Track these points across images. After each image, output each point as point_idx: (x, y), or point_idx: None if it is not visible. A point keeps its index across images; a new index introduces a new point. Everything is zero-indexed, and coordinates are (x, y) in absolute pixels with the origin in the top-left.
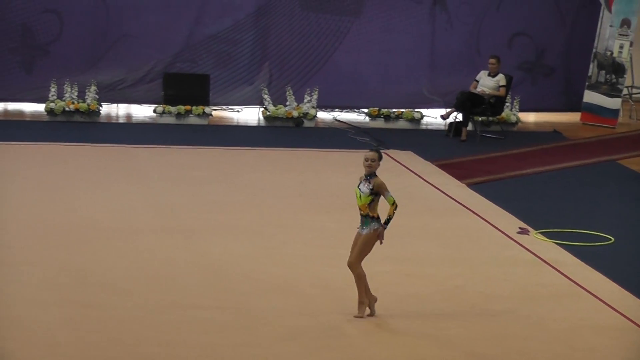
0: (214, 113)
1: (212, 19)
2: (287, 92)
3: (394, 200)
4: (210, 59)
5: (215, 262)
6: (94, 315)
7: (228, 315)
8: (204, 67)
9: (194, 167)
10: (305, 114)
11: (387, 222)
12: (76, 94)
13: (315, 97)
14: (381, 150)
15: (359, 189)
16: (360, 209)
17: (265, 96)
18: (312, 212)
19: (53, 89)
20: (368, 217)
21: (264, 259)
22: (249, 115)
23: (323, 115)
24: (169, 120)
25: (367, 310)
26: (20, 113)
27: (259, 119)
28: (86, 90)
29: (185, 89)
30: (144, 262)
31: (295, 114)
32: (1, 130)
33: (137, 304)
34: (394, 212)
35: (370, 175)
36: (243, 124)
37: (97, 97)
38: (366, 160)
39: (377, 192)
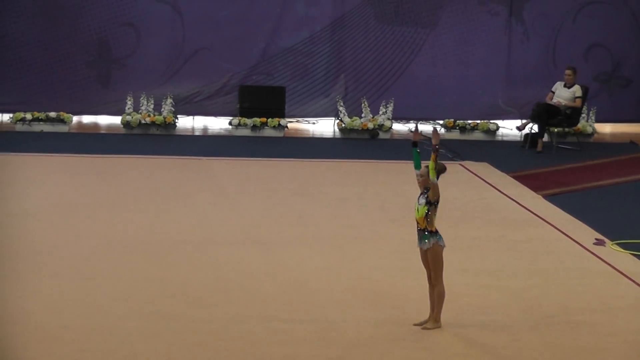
0: (289, 125)
1: (288, 32)
2: (363, 104)
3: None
4: (286, 71)
5: (293, 274)
6: (172, 326)
7: (307, 327)
8: (280, 79)
9: (270, 179)
10: (381, 126)
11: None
12: (152, 106)
13: (390, 108)
14: (457, 161)
15: (417, 201)
16: (417, 223)
17: (341, 108)
18: (389, 224)
19: (129, 102)
20: (425, 230)
21: (343, 271)
22: (325, 127)
23: (398, 127)
24: (245, 132)
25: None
26: (97, 126)
27: (334, 131)
28: (162, 103)
29: (261, 101)
30: (222, 274)
31: (370, 125)
32: (78, 143)
33: (215, 316)
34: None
35: (426, 189)
36: (318, 136)
37: (173, 109)
38: (419, 176)
39: (431, 200)
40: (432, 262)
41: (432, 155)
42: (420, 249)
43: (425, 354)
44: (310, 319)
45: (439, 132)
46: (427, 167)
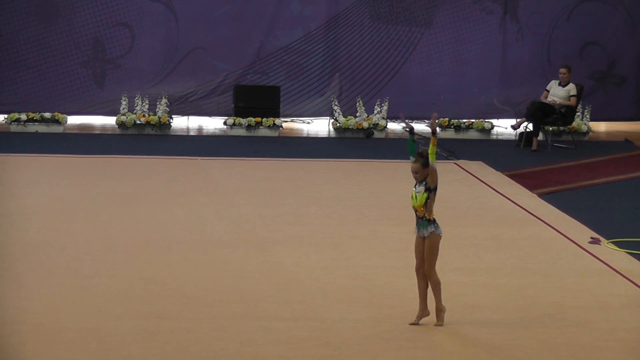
0: (284, 125)
1: (283, 31)
2: (358, 104)
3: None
4: (281, 70)
5: (289, 273)
6: (168, 326)
7: (303, 326)
8: (275, 78)
9: (265, 178)
10: (376, 125)
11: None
12: (147, 106)
13: (385, 108)
14: (452, 160)
15: (414, 189)
16: (416, 211)
17: (336, 107)
18: (385, 223)
19: (124, 102)
20: (424, 219)
21: (338, 270)
22: (319, 126)
23: (393, 126)
24: (240, 132)
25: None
26: (91, 126)
27: (329, 130)
28: (157, 103)
29: (256, 100)
30: (217, 273)
31: (365, 125)
32: (73, 144)
33: (211, 315)
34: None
35: (422, 181)
36: (313, 136)
37: (168, 109)
38: (414, 172)
39: (430, 187)
40: (428, 251)
41: (432, 139)
42: (418, 236)
43: (420, 353)
44: (306, 317)
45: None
46: (421, 157)
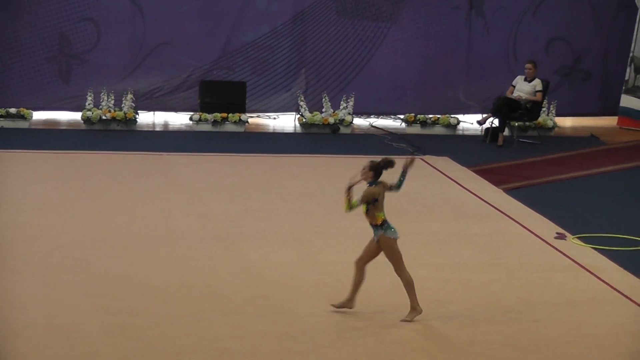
0: (250, 120)
1: (249, 26)
2: (324, 99)
3: (352, 207)
4: (247, 66)
5: (255, 268)
6: (135, 322)
7: (269, 321)
8: (241, 74)
9: (231, 174)
10: (342, 121)
11: (349, 190)
12: (113, 102)
13: (351, 103)
14: (418, 156)
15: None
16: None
17: (302, 103)
18: (350, 218)
19: (90, 98)
20: (372, 225)
21: (304, 266)
22: (285, 122)
23: (359, 122)
24: (206, 127)
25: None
26: (57, 122)
27: (295, 126)
28: (123, 99)
29: (222, 96)
30: (184, 269)
31: (331, 120)
32: (39, 139)
33: (178, 311)
34: (349, 205)
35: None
36: (279, 131)
37: (133, 105)
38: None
39: (364, 201)
40: (387, 254)
41: (349, 197)
42: (372, 238)
43: (386, 348)
44: (273, 312)
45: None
46: (369, 162)
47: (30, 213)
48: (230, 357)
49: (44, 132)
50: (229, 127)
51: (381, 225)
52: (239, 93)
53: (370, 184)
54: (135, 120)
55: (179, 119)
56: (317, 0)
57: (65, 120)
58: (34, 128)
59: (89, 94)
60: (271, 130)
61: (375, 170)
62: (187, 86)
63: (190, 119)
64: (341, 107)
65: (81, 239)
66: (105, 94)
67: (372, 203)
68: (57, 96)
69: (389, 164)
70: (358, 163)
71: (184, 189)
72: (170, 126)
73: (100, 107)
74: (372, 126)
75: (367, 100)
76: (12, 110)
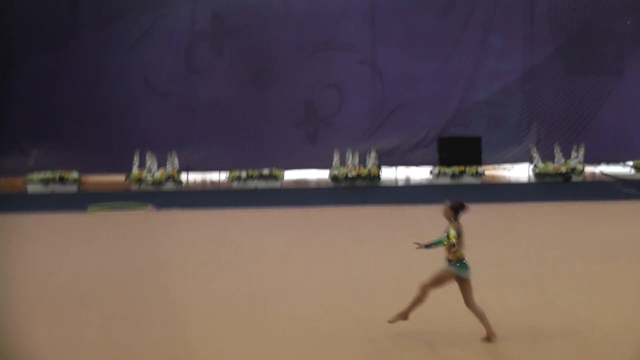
0: (486, 172)
1: (482, 85)
2: (555, 150)
3: (448, 241)
4: (481, 122)
5: (494, 314)
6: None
7: None
8: (476, 129)
9: (469, 223)
10: (573, 169)
11: (429, 246)
12: (357, 160)
13: (582, 153)
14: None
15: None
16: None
17: (535, 154)
18: (587, 261)
19: (336, 157)
20: (447, 260)
21: (541, 310)
22: (520, 172)
23: (590, 170)
24: (445, 180)
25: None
26: (306, 181)
27: (529, 176)
28: (366, 157)
29: (459, 150)
30: (422, 315)
31: (563, 169)
32: (289, 197)
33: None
34: (444, 244)
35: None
36: (514, 182)
37: (377, 162)
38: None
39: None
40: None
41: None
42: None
43: None
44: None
45: None
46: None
47: (282, 266)
48: None
49: (293, 192)
50: (466, 179)
51: (457, 262)
52: (474, 147)
53: (451, 222)
54: (379, 177)
55: (420, 174)
56: (545, 58)
57: (314, 179)
58: (285, 188)
59: (335, 154)
60: (506, 181)
61: (456, 210)
62: (425, 143)
63: (430, 172)
64: (572, 156)
65: (329, 288)
66: (350, 153)
67: (455, 243)
68: (306, 157)
69: (465, 207)
70: (591, 209)
71: (427, 238)
72: (412, 180)
73: (346, 165)
74: (603, 173)
75: (597, 149)
76: (265, 171)
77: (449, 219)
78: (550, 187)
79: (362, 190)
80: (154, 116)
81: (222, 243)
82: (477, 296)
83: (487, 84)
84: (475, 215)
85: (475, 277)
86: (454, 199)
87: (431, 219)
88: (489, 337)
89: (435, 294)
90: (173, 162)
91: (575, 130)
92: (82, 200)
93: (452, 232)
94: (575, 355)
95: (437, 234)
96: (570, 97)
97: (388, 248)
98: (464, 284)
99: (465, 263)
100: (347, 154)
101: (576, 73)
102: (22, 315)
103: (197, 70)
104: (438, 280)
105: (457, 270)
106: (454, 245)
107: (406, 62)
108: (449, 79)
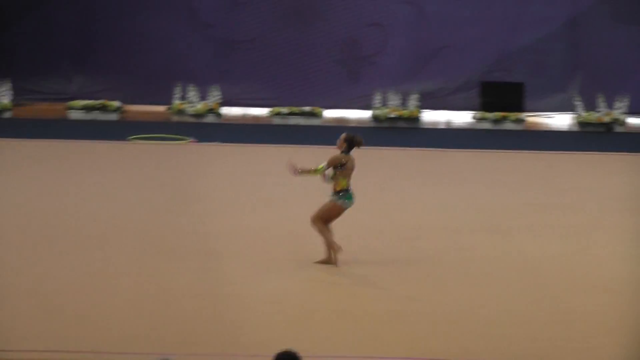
0: (528, 119)
1: (526, 31)
2: (598, 99)
3: (318, 171)
4: (524, 68)
5: (531, 260)
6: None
7: (543, 311)
8: (519, 75)
9: (510, 170)
10: (616, 120)
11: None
12: (400, 101)
13: (626, 103)
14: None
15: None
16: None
17: (578, 103)
18: (626, 213)
19: (378, 97)
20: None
21: (578, 259)
22: (562, 121)
23: (633, 121)
24: (486, 125)
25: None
26: (346, 120)
27: (570, 125)
28: (408, 98)
29: (501, 96)
30: (464, 260)
31: (606, 119)
32: (327, 135)
33: (465, 300)
34: (316, 171)
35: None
36: (556, 130)
37: (418, 104)
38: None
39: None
40: (324, 208)
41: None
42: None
43: None
44: (546, 302)
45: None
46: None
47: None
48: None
49: (332, 129)
50: (508, 126)
51: (339, 192)
52: (517, 93)
53: (342, 152)
54: (419, 119)
55: (461, 118)
56: (592, 5)
57: (354, 118)
58: (325, 125)
59: (377, 93)
60: (548, 129)
61: (349, 143)
62: (468, 87)
63: (472, 117)
64: (616, 106)
65: (372, 230)
66: (393, 94)
67: (339, 168)
68: (347, 96)
69: (360, 143)
70: (632, 161)
71: (464, 183)
72: (452, 124)
73: (388, 106)
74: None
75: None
76: (306, 108)
77: (339, 148)
78: (592, 137)
79: (403, 132)
80: (196, 47)
81: (262, 178)
82: (516, 242)
83: (531, 30)
84: (516, 162)
85: (515, 223)
86: (354, 133)
87: (469, 163)
88: (327, 260)
89: None
90: (214, 94)
91: (619, 80)
92: (122, 129)
93: (322, 164)
94: (610, 307)
95: (471, 178)
96: (616, 46)
97: (426, 190)
98: (329, 204)
99: (350, 194)
100: (390, 94)
101: (623, 22)
102: (59, 240)
103: (241, 1)
104: (323, 213)
105: (337, 199)
106: (321, 172)
107: (451, 4)
108: (494, 22)
